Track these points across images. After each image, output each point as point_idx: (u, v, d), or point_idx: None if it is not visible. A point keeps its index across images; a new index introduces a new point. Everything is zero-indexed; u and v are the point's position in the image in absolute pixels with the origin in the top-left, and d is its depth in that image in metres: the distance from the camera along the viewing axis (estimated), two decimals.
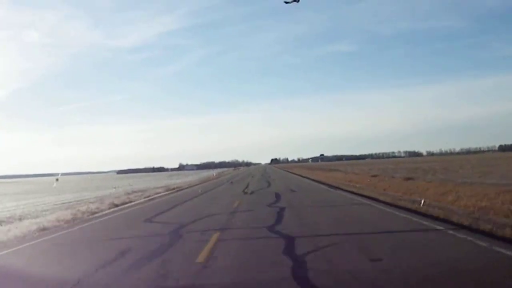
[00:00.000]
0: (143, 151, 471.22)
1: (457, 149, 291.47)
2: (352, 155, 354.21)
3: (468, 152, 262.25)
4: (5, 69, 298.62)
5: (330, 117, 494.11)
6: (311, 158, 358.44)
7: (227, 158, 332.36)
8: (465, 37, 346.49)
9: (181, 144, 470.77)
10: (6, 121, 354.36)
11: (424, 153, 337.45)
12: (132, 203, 24.36)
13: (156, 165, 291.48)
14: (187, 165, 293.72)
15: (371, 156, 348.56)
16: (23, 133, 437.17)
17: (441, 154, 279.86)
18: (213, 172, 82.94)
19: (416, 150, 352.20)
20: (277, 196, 22.72)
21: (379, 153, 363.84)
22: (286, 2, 15.13)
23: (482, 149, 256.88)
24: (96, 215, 18.69)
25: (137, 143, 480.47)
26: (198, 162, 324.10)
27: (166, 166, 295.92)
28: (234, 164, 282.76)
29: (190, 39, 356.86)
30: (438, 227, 10.17)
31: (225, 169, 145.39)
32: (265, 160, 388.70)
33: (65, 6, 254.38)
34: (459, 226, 10.08)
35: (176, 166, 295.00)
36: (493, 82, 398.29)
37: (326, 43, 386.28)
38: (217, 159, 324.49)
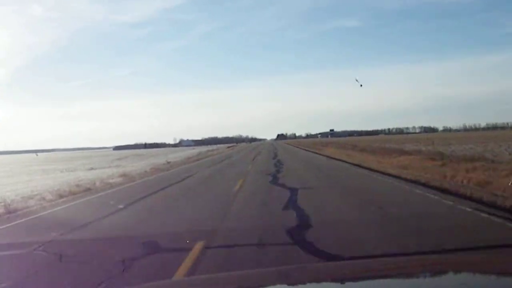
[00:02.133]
0: (145, 126, 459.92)
1: (483, 124, 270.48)
2: (363, 131, 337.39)
3: (494, 127, 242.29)
4: (11, 43, 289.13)
5: (338, 92, 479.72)
6: (320, 133, 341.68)
7: (231, 134, 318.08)
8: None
9: (183, 120, 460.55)
10: (10, 97, 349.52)
11: (440, 129, 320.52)
12: None
13: (159, 141, 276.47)
14: (184, 140, 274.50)
15: (383, 132, 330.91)
16: (26, 109, 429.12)
17: (457, 130, 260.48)
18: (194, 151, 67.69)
19: (432, 126, 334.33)
20: None
21: (391, 129, 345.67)
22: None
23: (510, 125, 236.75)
24: None
25: (139, 118, 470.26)
26: (200, 138, 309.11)
27: (167, 141, 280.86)
28: (235, 140, 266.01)
29: (194, 13, 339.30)
30: None
31: (221, 145, 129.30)
32: (271, 135, 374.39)
33: None
34: None
35: (177, 141, 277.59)
36: None
37: (332, 18, 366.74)
38: (221, 135, 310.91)
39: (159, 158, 48.78)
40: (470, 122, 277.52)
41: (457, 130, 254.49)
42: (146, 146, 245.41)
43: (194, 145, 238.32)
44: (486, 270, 1.96)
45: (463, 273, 1.96)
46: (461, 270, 2.00)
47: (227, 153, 50.33)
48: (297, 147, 70.39)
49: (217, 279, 2.59)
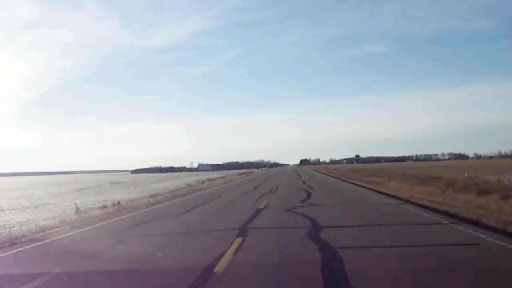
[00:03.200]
0: (165, 150, 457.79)
1: None
2: (390, 157, 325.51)
3: None
4: (40, 67, 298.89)
5: (363, 118, 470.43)
6: (344, 159, 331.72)
7: (253, 159, 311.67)
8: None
9: (205, 144, 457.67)
10: (38, 119, 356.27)
11: (471, 155, 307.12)
12: None
13: (178, 165, 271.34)
14: (201, 164, 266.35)
15: (411, 158, 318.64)
16: (52, 130, 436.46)
17: (491, 157, 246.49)
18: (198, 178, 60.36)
19: (462, 152, 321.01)
20: None
21: (419, 155, 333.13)
22: None
23: None
24: None
25: (161, 143, 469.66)
26: (220, 162, 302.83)
27: (188, 165, 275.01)
28: (256, 165, 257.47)
29: (221, 39, 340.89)
30: None
31: (239, 170, 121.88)
32: (293, 161, 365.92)
33: (96, 6, 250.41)
34: None
35: (194, 165, 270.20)
36: None
37: (356, 44, 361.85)
38: (242, 159, 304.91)
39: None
40: (505, 148, 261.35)
41: (490, 157, 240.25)
42: (161, 170, 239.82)
43: (212, 170, 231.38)
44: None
45: None
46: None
47: (231, 185, 37.27)
48: (329, 175, 57.22)
49: None
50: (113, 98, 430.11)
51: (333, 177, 49.55)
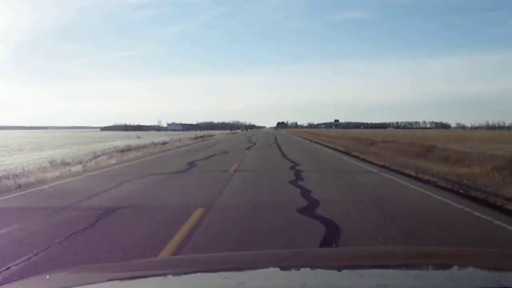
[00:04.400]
0: (139, 108, 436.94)
1: (507, 122, 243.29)
2: (370, 123, 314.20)
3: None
4: (12, 20, 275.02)
5: (342, 84, 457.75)
6: (323, 123, 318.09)
7: (228, 119, 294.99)
8: None
9: (180, 104, 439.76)
10: (8, 73, 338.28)
11: (453, 125, 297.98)
12: None
13: (148, 123, 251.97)
14: (170, 124, 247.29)
15: (392, 125, 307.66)
16: (23, 85, 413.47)
17: (477, 127, 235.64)
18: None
19: (444, 121, 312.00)
20: None
21: (400, 122, 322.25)
22: None
23: None
24: None
25: (134, 101, 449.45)
26: (195, 122, 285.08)
27: (162, 124, 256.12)
28: (230, 126, 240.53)
29: None
30: None
31: (216, 132, 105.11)
32: (270, 123, 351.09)
33: None
34: None
35: (163, 124, 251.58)
36: None
37: (337, 9, 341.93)
38: (217, 120, 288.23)
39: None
40: (493, 119, 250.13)
41: (475, 128, 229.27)
42: (126, 128, 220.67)
43: (183, 129, 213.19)
44: (475, 264, 1.99)
45: (456, 266, 1.98)
46: (453, 263, 2.02)
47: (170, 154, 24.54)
48: (319, 143, 38.49)
49: (208, 258, 2.57)
50: (86, 54, 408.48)
51: (326, 146, 31.55)
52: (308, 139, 51.25)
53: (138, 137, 50.09)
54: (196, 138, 43.32)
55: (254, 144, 32.01)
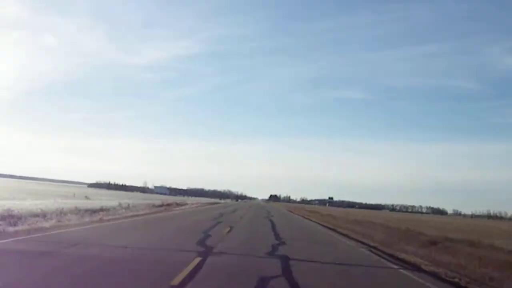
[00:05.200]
0: (131, 169, 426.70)
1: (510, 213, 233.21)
2: (365, 204, 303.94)
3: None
4: (19, 69, 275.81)
5: (338, 161, 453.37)
6: (317, 200, 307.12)
7: (220, 188, 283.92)
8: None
9: (174, 168, 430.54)
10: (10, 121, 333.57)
11: (450, 212, 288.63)
12: None
13: (143, 184, 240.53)
14: (157, 187, 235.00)
15: (387, 208, 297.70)
16: (21, 134, 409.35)
17: (479, 215, 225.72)
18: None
19: (441, 207, 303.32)
20: None
21: (396, 205, 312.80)
22: None
23: None
24: None
25: (128, 160, 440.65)
26: (185, 187, 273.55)
27: (149, 186, 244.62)
28: (220, 195, 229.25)
29: (202, 65, 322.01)
30: None
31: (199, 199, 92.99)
32: (263, 195, 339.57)
33: (85, 15, 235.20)
34: None
35: (149, 186, 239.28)
36: None
37: (338, 88, 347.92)
38: (208, 187, 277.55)
39: None
40: (494, 209, 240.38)
41: (476, 216, 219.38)
42: (109, 187, 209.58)
43: (170, 194, 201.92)
44: None
45: None
46: None
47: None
48: (327, 226, 31.39)
49: None
50: (87, 110, 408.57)
51: (340, 233, 22.37)
52: (306, 217, 41.68)
53: (86, 198, 39.98)
54: (160, 206, 33.67)
55: (230, 229, 18.73)
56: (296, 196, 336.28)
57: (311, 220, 36.94)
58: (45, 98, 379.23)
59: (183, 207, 37.99)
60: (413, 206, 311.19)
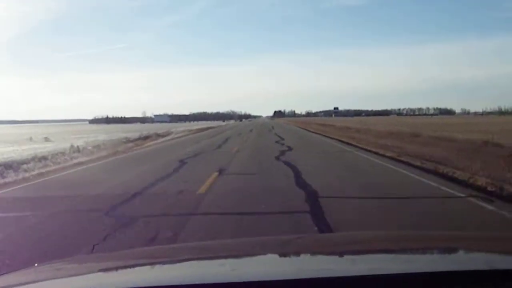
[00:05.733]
0: (129, 100, 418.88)
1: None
2: (372, 110, 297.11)
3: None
4: (4, 14, 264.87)
5: (340, 71, 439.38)
6: (322, 111, 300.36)
7: (223, 109, 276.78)
8: None
9: (173, 95, 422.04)
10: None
11: (458, 111, 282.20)
12: None
13: (142, 114, 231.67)
14: (157, 115, 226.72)
15: (394, 112, 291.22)
16: (13, 78, 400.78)
17: (490, 112, 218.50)
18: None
19: (448, 107, 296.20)
20: None
21: (402, 109, 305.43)
22: None
23: None
24: None
25: (128, 92, 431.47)
26: (187, 113, 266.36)
27: (147, 115, 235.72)
28: (224, 116, 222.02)
29: None
30: None
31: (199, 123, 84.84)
32: (267, 112, 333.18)
33: None
34: None
35: (148, 115, 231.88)
36: None
37: None
38: (211, 110, 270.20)
39: None
40: (505, 104, 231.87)
41: (488, 113, 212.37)
42: (108, 120, 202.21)
43: (170, 121, 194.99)
44: (466, 248, 2.02)
45: (447, 249, 2.03)
46: (444, 247, 2.07)
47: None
48: (326, 135, 31.50)
49: (211, 246, 2.58)
50: (76, 46, 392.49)
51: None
52: (314, 131, 33.83)
53: (46, 140, 31.67)
54: (137, 139, 25.44)
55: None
56: (300, 110, 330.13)
57: (332, 138, 28.84)
58: (33, 40, 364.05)
59: (163, 139, 29.57)
60: (420, 109, 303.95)
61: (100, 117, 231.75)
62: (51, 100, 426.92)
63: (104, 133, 43.68)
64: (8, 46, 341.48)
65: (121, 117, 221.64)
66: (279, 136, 31.81)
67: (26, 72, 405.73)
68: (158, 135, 32.10)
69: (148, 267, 1.85)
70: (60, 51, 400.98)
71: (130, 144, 23.27)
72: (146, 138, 28.38)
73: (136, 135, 29.87)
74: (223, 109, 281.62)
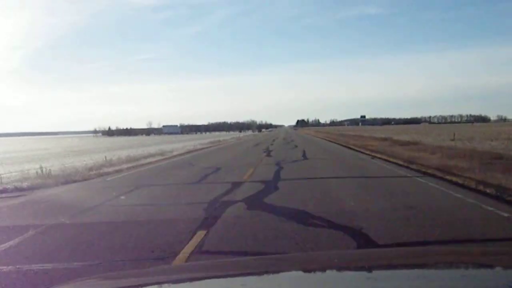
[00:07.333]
0: (151, 111, 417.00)
1: None
2: (401, 119, 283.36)
3: None
4: (30, 25, 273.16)
5: (364, 79, 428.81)
6: (347, 120, 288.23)
7: (243, 119, 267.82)
8: None
9: (194, 105, 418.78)
10: (26, 78, 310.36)
11: (494, 118, 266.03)
12: None
13: (147, 126, 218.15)
14: (166, 126, 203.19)
15: (425, 120, 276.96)
16: (40, 90, 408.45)
17: None
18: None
19: (483, 114, 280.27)
20: None
21: (433, 117, 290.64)
22: None
23: None
24: None
25: (148, 103, 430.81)
26: (206, 123, 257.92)
27: (155, 126, 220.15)
28: (243, 126, 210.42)
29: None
30: None
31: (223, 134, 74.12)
32: (289, 121, 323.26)
33: None
34: None
35: (154, 126, 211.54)
36: None
37: (349, 6, 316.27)
38: (231, 120, 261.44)
39: None
40: None
41: None
42: (109, 132, 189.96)
43: (180, 133, 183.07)
44: (487, 262, 1.93)
45: (467, 264, 1.92)
46: (464, 261, 1.96)
47: None
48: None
49: (219, 265, 2.56)
50: (101, 58, 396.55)
51: None
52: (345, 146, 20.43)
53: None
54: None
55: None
56: (325, 118, 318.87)
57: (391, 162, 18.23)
58: (58, 52, 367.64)
59: (116, 170, 17.51)
60: (452, 116, 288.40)
61: (102, 128, 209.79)
62: (66, 113, 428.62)
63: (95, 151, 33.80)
64: (32, 58, 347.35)
65: (126, 129, 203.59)
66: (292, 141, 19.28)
67: (47, 84, 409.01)
68: (112, 164, 19.58)
69: (155, 286, 1.85)
70: (82, 63, 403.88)
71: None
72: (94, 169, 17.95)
73: (82, 164, 19.16)
74: (243, 118, 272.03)
